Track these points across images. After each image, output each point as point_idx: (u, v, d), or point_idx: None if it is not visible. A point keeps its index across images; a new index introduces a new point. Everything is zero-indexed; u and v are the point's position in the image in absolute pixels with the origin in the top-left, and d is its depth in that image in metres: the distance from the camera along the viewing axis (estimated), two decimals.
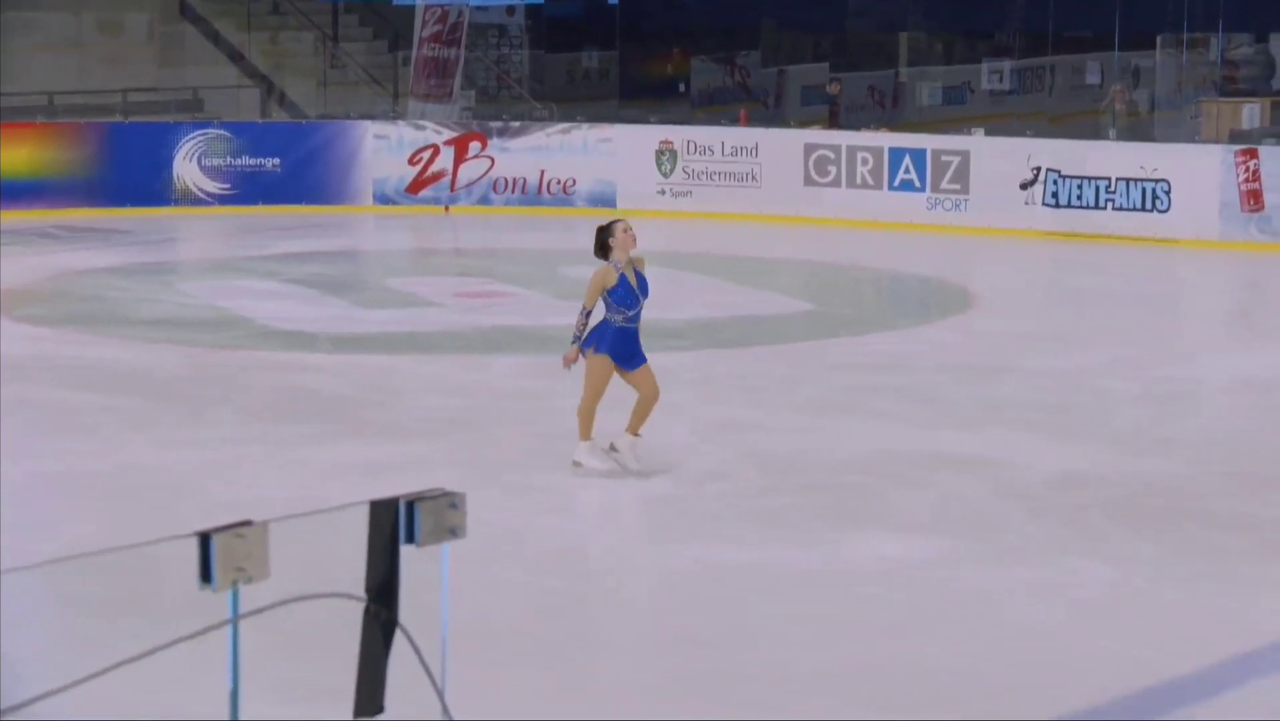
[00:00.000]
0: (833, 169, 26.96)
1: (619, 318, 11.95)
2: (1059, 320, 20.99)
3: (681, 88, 35.16)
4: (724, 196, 27.33)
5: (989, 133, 27.30)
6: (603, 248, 12.11)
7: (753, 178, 27.33)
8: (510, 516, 11.40)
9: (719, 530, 11.50)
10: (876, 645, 9.36)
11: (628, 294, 11.76)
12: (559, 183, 28.16)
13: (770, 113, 33.55)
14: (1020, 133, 27.68)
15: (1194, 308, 22.69)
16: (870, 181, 26.66)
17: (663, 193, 27.76)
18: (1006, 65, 35.60)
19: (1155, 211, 24.70)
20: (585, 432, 12.05)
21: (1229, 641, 9.35)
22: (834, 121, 30.00)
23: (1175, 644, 9.37)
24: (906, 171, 26.46)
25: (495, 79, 33.68)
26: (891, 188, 26.51)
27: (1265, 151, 24.37)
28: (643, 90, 34.23)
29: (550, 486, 12.56)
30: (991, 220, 25.51)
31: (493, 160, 28.28)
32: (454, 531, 3.80)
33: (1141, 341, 18.70)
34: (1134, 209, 24.81)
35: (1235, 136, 26.77)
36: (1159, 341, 19.00)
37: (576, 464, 12.06)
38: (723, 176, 27.52)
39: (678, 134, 28.16)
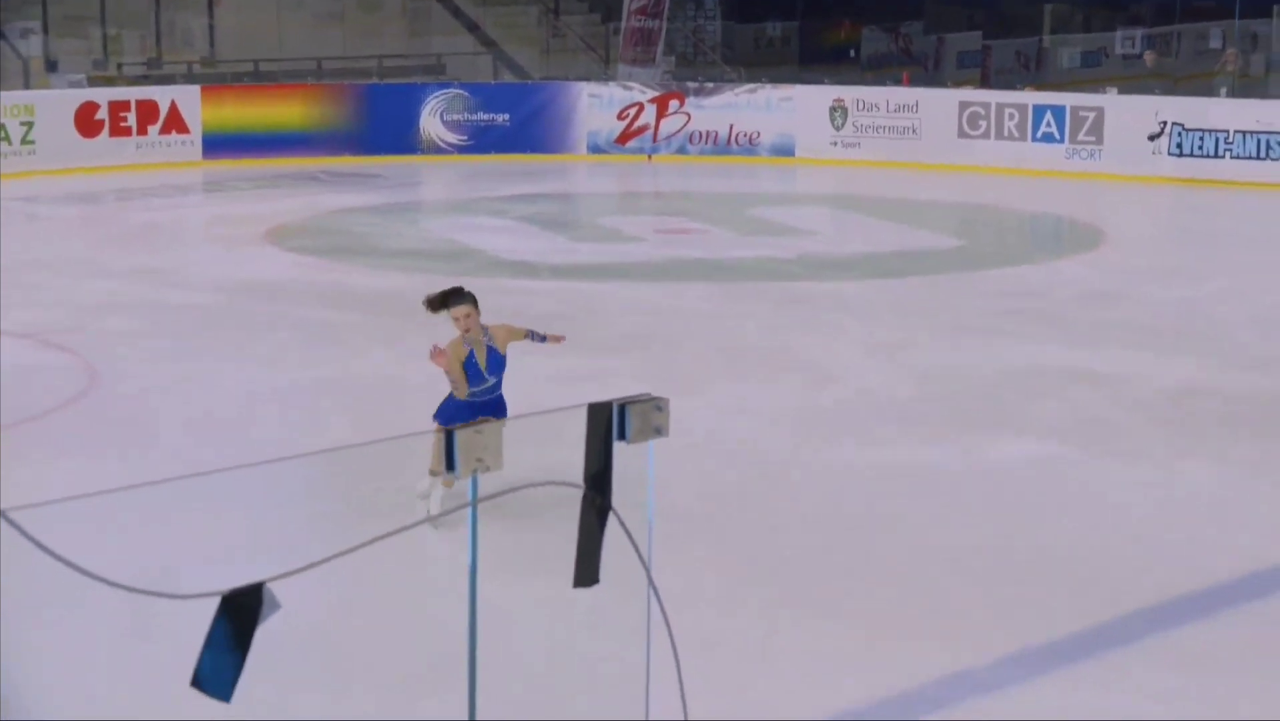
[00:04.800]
0: (983, 123, 26.72)
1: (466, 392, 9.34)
2: (1179, 255, 20.74)
3: (852, 53, 34.92)
4: (887, 147, 27.19)
5: (1121, 91, 26.88)
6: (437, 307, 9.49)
7: (913, 131, 27.15)
8: (697, 418, 11.54)
9: (874, 433, 11.57)
10: (1008, 531, 9.41)
11: (474, 372, 9.32)
12: (746, 135, 28.16)
13: (929, 74, 33.20)
14: (1150, 91, 27.23)
15: None
16: (1016, 134, 26.40)
17: (835, 144, 27.69)
18: (1138, 32, 34.96)
19: (1269, 160, 24.22)
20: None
21: None
22: (985, 81, 29.69)
23: (1272, 532, 9.34)
24: (1048, 125, 26.16)
25: (692, 46, 33.67)
26: (1034, 140, 26.23)
27: None
28: (819, 56, 34.03)
29: (732, 392, 12.70)
30: (1122, 168, 25.18)
31: (689, 116, 28.35)
32: (659, 430, 3.82)
33: (1252, 274, 18.42)
34: (1249, 158, 24.36)
35: None
36: (1268, 274, 18.70)
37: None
38: (887, 130, 27.38)
39: (849, 93, 28.04)
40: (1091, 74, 33.27)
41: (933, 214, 23.08)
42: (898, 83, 29.61)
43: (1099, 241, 20.80)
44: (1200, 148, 24.75)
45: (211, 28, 31.99)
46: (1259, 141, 24.30)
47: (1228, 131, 24.57)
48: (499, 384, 9.34)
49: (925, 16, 35.65)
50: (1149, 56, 32.17)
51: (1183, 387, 12.77)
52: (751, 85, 28.63)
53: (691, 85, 28.93)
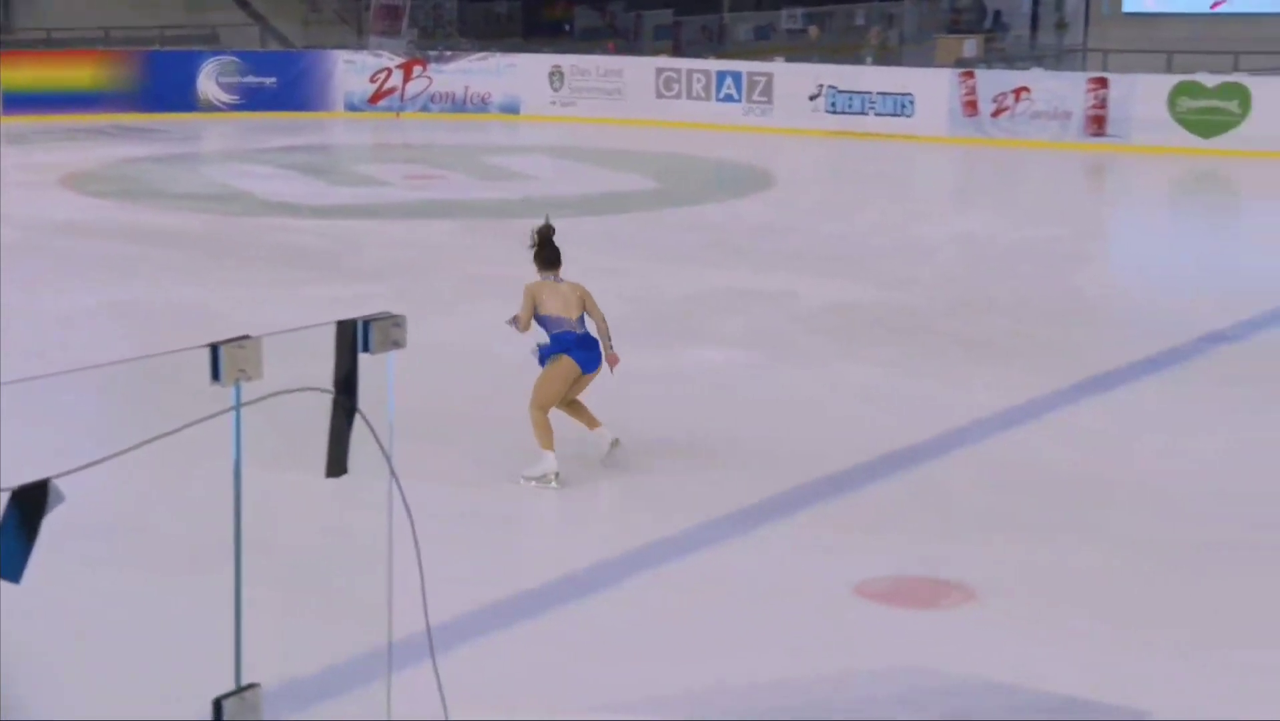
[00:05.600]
0: (676, 86, 26.74)
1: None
2: (835, 195, 21.06)
3: (567, 27, 34.78)
4: (598, 106, 27.07)
5: (787, 60, 27.17)
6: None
7: (619, 93, 27.06)
8: (448, 334, 11.36)
9: None
10: (703, 422, 9.43)
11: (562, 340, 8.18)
12: (479, 96, 27.78)
13: (631, 45, 33.17)
14: (809, 60, 27.59)
15: (930, 185, 22.81)
16: (703, 95, 26.48)
17: (554, 104, 27.48)
18: (800, 11, 35.46)
19: (904, 117, 24.71)
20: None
21: (946, 416, 9.49)
22: (677, 50, 29.76)
23: (913, 417, 9.50)
24: (728, 88, 26.30)
25: (432, 20, 33.07)
26: (718, 100, 26.35)
27: (979, 74, 24.42)
28: (540, 29, 33.77)
29: (476, 312, 12.52)
30: (789, 124, 25.46)
31: (431, 80, 27.86)
32: (396, 343, 3.77)
33: (894, 210, 18.79)
34: (890, 114, 24.82)
35: (959, 62, 26.79)
36: (906, 209, 19.11)
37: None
38: (597, 92, 27.23)
39: (565, 61, 27.83)
40: (763, 45, 33.64)
41: (636, 162, 23.07)
42: (605, 52, 29.50)
43: (771, 184, 21.03)
44: (851, 106, 25.14)
45: (6, 1, 30.52)
46: (896, 101, 24.77)
47: (872, 93, 24.99)
48: (551, 338, 8.13)
49: None
50: (813, 30, 32.71)
51: (840, 304, 12.95)
52: (483, 54, 28.25)
53: (432, 54, 28.42)
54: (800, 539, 7.46)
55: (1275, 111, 21.51)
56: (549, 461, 8.01)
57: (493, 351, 11.29)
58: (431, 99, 27.87)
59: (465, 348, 11.28)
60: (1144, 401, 10.10)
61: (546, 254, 8.25)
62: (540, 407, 8.09)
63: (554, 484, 7.98)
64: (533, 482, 8.01)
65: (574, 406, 8.34)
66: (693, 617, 6.48)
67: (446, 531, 7.19)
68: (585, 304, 8.17)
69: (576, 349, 8.11)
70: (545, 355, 8.17)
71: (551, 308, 8.13)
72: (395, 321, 3.76)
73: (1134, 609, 6.61)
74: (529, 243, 8.33)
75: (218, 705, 3.24)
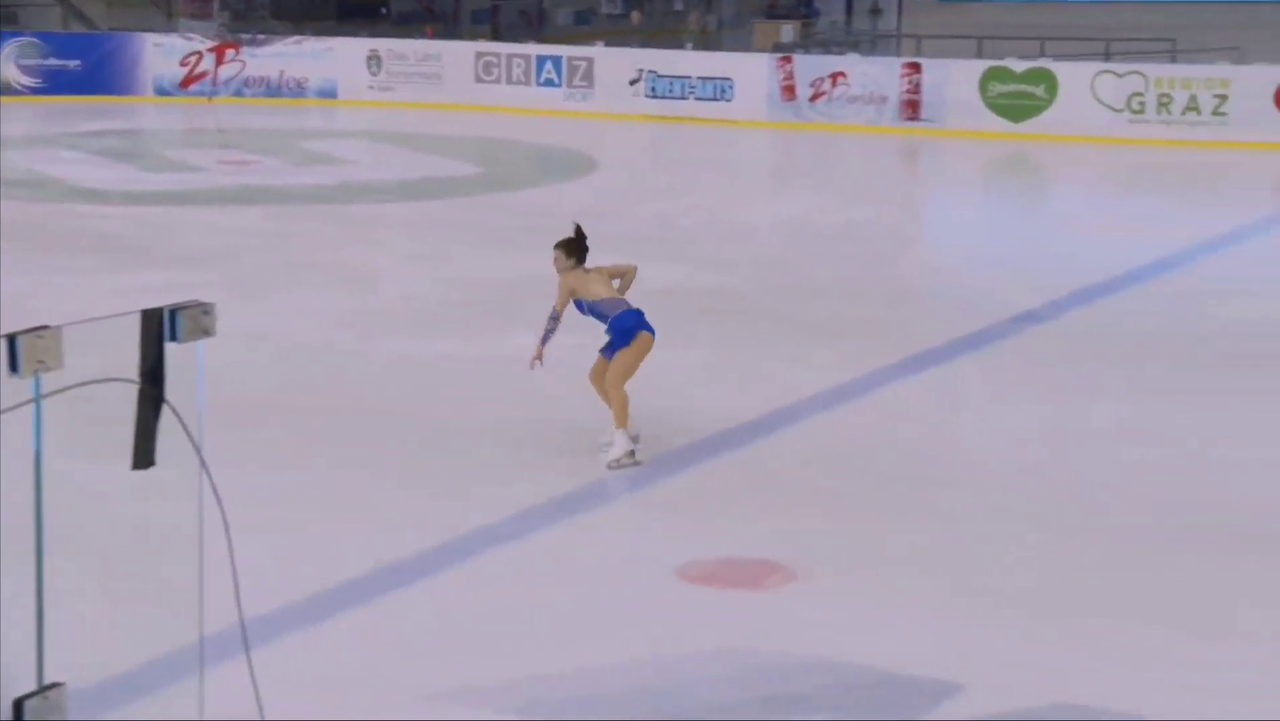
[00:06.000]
0: (496, 70, 26.59)
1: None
2: (656, 179, 21.14)
3: (384, 10, 34.36)
4: (417, 91, 26.79)
5: (607, 45, 27.18)
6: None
7: (438, 77, 26.82)
8: (265, 321, 11.15)
9: (416, 330, 11.39)
10: (524, 406, 9.39)
11: (581, 310, 8.45)
12: (294, 80, 27.28)
13: (450, 29, 32.89)
14: (629, 44, 27.65)
15: (751, 169, 23.03)
16: (523, 80, 26.36)
17: (372, 88, 27.12)
18: None
19: (724, 101, 24.91)
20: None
21: (769, 397, 9.55)
22: (496, 35, 29.60)
23: (736, 399, 9.53)
24: (549, 73, 26.22)
25: (244, 2, 32.40)
26: (538, 85, 26.25)
27: (797, 59, 24.72)
28: (355, 12, 33.30)
29: (293, 299, 12.31)
30: (610, 108, 25.48)
31: (244, 63, 27.28)
32: (206, 331, 3.68)
33: (714, 193, 18.92)
34: (708, 99, 25.00)
35: (777, 48, 27.08)
36: (726, 192, 19.26)
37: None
38: (415, 76, 26.95)
39: (382, 45, 27.50)
40: (583, 30, 33.63)
41: (457, 147, 22.89)
42: (423, 36, 29.21)
43: (592, 169, 21.03)
44: (671, 91, 25.26)
45: None
46: (715, 85, 24.96)
47: (691, 77, 25.14)
48: (612, 321, 8.29)
49: None
50: (635, 15, 32.80)
51: (663, 287, 12.96)
52: (298, 38, 27.75)
53: (245, 37, 27.84)
54: (622, 523, 7.47)
55: (1080, 96, 22.15)
56: (624, 440, 8.19)
57: (309, 338, 11.12)
58: (245, 83, 27.31)
59: (282, 335, 11.08)
60: (962, 379, 10.32)
61: (582, 247, 8.45)
62: (621, 385, 8.27)
63: (637, 457, 8.19)
64: (623, 464, 8.15)
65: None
66: (514, 607, 6.44)
67: (261, 522, 7.05)
68: (614, 277, 8.51)
69: (644, 320, 8.36)
70: (619, 343, 8.29)
71: (601, 292, 8.37)
72: (204, 309, 3.68)
73: (955, 583, 6.74)
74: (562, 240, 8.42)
75: (18, 706, 3.13)
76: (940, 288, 13.56)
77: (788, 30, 29.45)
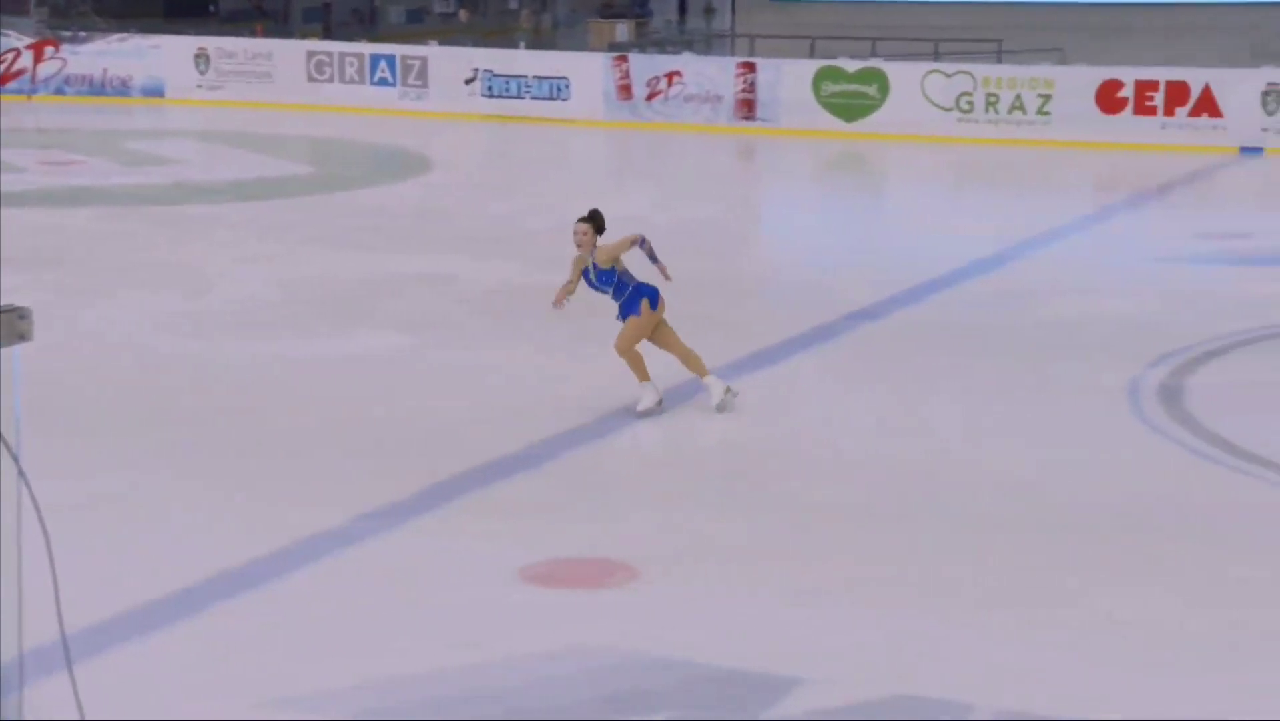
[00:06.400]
0: (328, 69, 26.25)
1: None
2: (493, 178, 21.06)
3: (212, 8, 33.77)
4: (247, 90, 26.33)
5: (442, 43, 27.01)
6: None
7: (269, 76, 26.40)
8: (97, 325, 10.88)
9: (250, 331, 11.20)
10: (363, 410, 9.29)
11: (589, 279, 9.18)
12: (119, 79, 26.65)
13: (280, 27, 32.42)
14: (464, 43, 27.51)
15: (588, 168, 23.04)
16: (356, 79, 26.07)
17: (200, 87, 26.60)
18: None
19: (560, 101, 24.90)
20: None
21: (608, 396, 9.56)
22: (329, 34, 29.25)
23: (576, 398, 9.53)
24: (383, 72, 25.96)
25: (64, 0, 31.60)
26: (372, 84, 25.98)
27: (633, 58, 24.83)
28: (182, 10, 32.63)
29: (125, 301, 12.06)
30: (445, 107, 25.31)
31: (65, 61, 26.59)
32: (23, 336, 3.58)
33: (550, 191, 18.90)
34: (545, 98, 24.97)
35: (613, 47, 27.17)
36: (563, 191, 19.24)
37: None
38: (246, 75, 26.49)
39: (211, 43, 26.99)
40: (417, 29, 33.37)
41: (290, 146, 22.57)
42: (253, 34, 28.73)
43: (428, 168, 20.89)
44: (507, 90, 25.18)
45: None
46: (551, 85, 24.95)
47: (527, 77, 25.10)
48: (615, 290, 9.12)
49: None
50: (463, 14, 32.71)
51: (500, 286, 12.95)
52: (122, 35, 27.10)
53: (66, 34, 27.13)
54: (463, 526, 7.43)
55: (910, 95, 22.57)
56: (650, 392, 9.07)
57: (141, 341, 10.87)
58: (66, 81, 26.61)
59: (113, 338, 10.83)
60: (799, 376, 10.45)
61: (603, 223, 9.18)
62: (631, 348, 9.08)
63: (661, 407, 9.05)
64: (651, 412, 8.99)
65: (678, 349, 9.25)
66: (357, 611, 6.37)
67: (92, 530, 6.90)
68: (612, 253, 9.07)
69: (652, 291, 9.11)
70: (634, 307, 9.06)
71: (622, 264, 9.11)
72: (20, 314, 3.58)
73: (795, 576, 6.82)
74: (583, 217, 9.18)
75: None
76: (778, 285, 13.72)
77: (622, 29, 29.57)
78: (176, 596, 6.43)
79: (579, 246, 9.16)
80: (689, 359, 9.24)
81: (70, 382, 9.03)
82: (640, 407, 9.05)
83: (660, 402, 9.11)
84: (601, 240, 9.15)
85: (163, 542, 7.08)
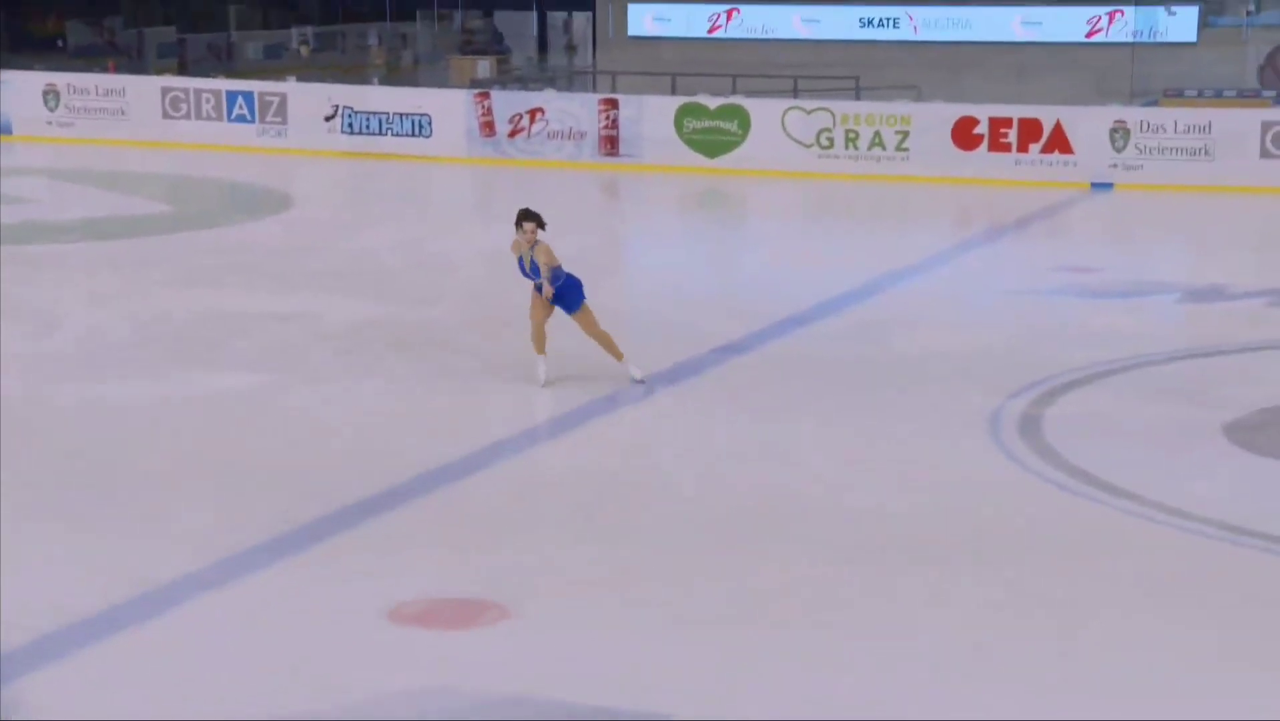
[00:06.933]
0: (184, 106, 25.87)
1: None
2: (354, 215, 20.87)
3: (60, 43, 33.13)
4: (100, 127, 25.84)
5: (300, 79, 26.77)
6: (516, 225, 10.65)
7: (122, 112, 25.94)
8: None
9: (100, 373, 10.96)
10: (225, 450, 9.13)
11: (523, 268, 10.62)
12: None
13: (134, 63, 31.92)
14: (322, 80, 27.30)
15: (451, 204, 22.95)
16: (213, 115, 25.71)
17: (50, 124, 26.05)
18: (310, 30, 35.08)
19: (421, 137, 24.80)
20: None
21: (471, 433, 9.53)
22: (185, 70, 28.86)
23: (438, 435, 9.48)
24: (240, 108, 25.63)
25: None
26: (230, 120, 25.64)
27: (495, 94, 24.82)
28: (27, 45, 31.98)
29: None
30: (305, 144, 25.06)
31: None
32: None
33: (412, 229, 18.80)
34: (407, 135, 24.85)
35: (474, 83, 27.14)
36: (425, 227, 19.15)
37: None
38: (98, 112, 26.01)
39: (60, 79, 26.45)
40: (274, 64, 33.06)
41: (144, 184, 22.17)
42: (105, 70, 28.24)
43: (289, 205, 20.66)
44: (368, 127, 25.01)
45: None
46: (413, 121, 24.84)
47: (389, 113, 24.96)
48: (566, 281, 10.56)
49: (124, 12, 34.36)
50: (303, 49, 32.46)
51: (361, 322, 12.83)
52: None
53: None
54: (328, 566, 7.33)
55: (771, 132, 22.83)
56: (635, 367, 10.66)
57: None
58: None
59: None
60: (665, 410, 10.48)
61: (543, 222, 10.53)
62: (599, 326, 10.64)
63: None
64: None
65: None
66: (222, 655, 6.25)
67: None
68: (549, 259, 10.48)
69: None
70: (575, 301, 10.61)
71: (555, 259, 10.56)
72: None
73: (661, 607, 6.82)
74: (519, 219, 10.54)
75: None
76: (643, 321, 13.75)
77: (484, 66, 29.56)
78: (30, 645, 6.25)
79: (526, 243, 10.47)
80: (608, 343, 10.60)
81: None
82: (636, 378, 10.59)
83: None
84: (541, 236, 10.48)
85: (11, 588, 6.88)
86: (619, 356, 10.67)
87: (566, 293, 10.58)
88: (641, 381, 10.59)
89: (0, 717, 3.33)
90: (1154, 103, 23.48)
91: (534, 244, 10.44)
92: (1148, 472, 8.84)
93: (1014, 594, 7.11)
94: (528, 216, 10.49)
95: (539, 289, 10.55)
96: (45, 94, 26.09)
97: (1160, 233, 19.01)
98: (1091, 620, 6.84)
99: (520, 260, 10.57)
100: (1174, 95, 24.25)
